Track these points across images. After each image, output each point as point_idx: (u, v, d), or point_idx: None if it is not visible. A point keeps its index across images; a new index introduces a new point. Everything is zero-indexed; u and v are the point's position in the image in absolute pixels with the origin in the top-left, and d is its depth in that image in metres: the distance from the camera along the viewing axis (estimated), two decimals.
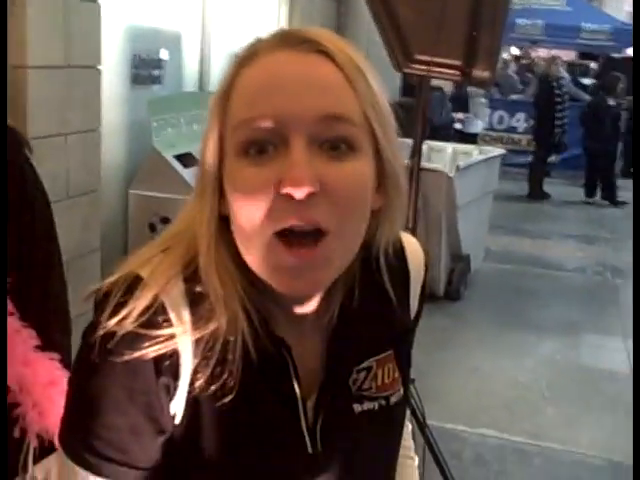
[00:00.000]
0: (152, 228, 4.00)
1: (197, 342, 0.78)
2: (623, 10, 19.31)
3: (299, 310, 0.85)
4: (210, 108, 0.81)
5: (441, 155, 6.16)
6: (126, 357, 0.76)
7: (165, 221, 3.97)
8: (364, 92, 0.76)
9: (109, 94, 4.02)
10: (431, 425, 2.74)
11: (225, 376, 0.79)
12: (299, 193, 0.71)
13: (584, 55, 13.80)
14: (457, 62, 2.60)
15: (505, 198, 8.54)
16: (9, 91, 3.22)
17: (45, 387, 1.25)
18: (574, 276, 6.53)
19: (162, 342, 0.77)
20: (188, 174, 3.99)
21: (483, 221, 6.14)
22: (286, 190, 0.71)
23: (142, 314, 0.77)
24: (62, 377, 1.28)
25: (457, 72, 2.63)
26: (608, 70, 10.68)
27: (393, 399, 0.92)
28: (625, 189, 9.65)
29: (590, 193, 9.73)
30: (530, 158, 10.06)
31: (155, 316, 0.77)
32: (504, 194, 8.28)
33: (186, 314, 0.79)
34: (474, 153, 6.21)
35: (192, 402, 0.80)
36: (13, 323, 1.25)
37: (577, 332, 5.13)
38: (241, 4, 5.66)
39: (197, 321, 0.79)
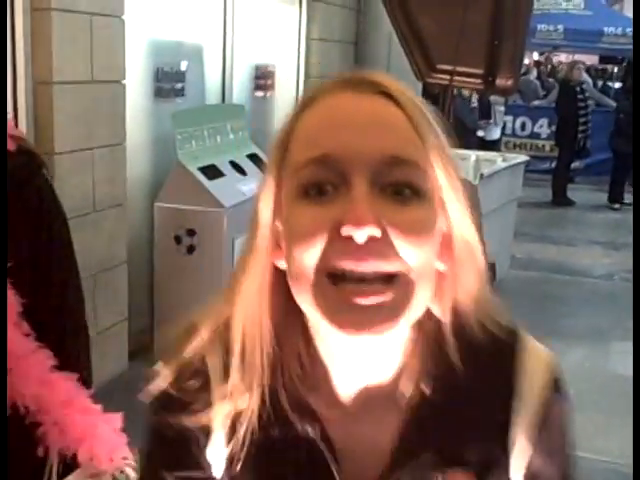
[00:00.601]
0: (178, 240, 4.02)
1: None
2: None
3: (365, 377, 0.78)
4: (268, 155, 0.77)
5: (464, 163, 6.13)
6: (163, 417, 0.80)
7: (191, 233, 3.99)
8: (428, 136, 0.72)
9: (133, 108, 4.06)
10: None
11: (237, 450, 0.78)
12: (360, 235, 0.66)
13: (606, 59, 13.70)
14: (479, 71, 2.60)
15: (529, 205, 8.49)
16: (35, 107, 3.27)
17: (63, 406, 1.26)
18: (601, 283, 6.46)
19: (198, 410, 0.79)
20: (212, 186, 4.02)
21: (508, 229, 6.10)
22: (346, 231, 0.67)
23: (186, 367, 0.81)
24: (79, 395, 1.29)
25: (480, 81, 2.62)
26: (631, 74, 10.60)
27: None
28: None
29: (615, 199, 9.64)
30: (554, 164, 10.00)
31: (196, 376, 0.80)
32: (528, 201, 8.22)
33: (220, 383, 0.80)
34: (497, 160, 6.18)
35: (230, 461, 0.81)
36: (29, 344, 1.26)
37: (605, 339, 5.08)
38: (261, 15, 5.69)
39: (226, 395, 0.79)
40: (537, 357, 0.82)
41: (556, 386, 0.82)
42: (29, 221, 1.31)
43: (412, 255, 0.68)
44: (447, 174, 0.73)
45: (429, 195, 0.71)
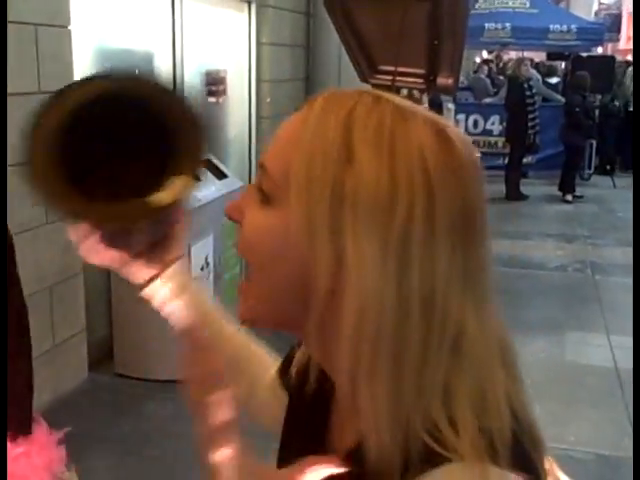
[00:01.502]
0: None
1: None
2: (592, 10, 19.59)
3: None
4: None
5: None
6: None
7: None
8: (302, 148, 0.70)
9: None
10: None
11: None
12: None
13: (554, 55, 13.91)
14: (420, 71, 2.65)
15: None
16: None
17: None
18: (555, 275, 6.59)
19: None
20: None
21: None
22: None
23: None
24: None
25: (421, 80, 2.67)
26: (576, 70, 10.81)
27: None
28: (601, 187, 9.77)
29: (568, 191, 9.84)
30: (506, 160, 10.16)
31: None
32: None
33: None
34: None
35: None
36: None
37: (560, 330, 5.18)
38: (211, 21, 5.70)
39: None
40: None
41: None
42: None
43: (248, 249, 0.75)
44: (301, 189, 0.70)
45: (283, 206, 0.71)
